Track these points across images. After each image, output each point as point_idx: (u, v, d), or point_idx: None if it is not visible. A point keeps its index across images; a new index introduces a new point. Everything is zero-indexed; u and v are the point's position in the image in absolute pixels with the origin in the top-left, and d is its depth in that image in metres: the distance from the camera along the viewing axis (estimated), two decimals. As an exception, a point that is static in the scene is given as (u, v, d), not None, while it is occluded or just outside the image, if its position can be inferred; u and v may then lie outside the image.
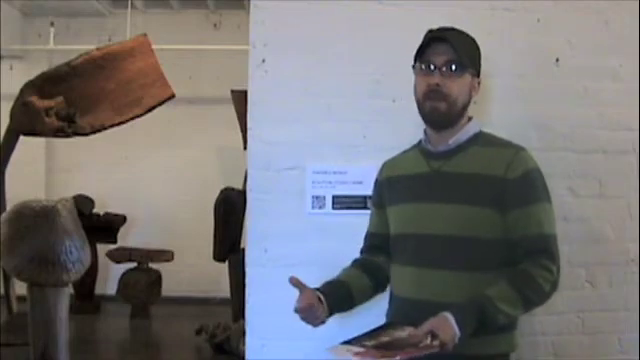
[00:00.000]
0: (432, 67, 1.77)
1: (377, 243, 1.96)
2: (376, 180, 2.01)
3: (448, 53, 1.76)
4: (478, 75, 1.85)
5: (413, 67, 1.83)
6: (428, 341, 1.53)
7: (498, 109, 2.34)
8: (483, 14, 2.37)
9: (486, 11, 2.38)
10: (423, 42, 1.80)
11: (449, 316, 1.58)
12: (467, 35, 1.84)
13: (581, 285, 2.38)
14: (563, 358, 2.36)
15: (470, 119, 1.88)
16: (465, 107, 1.82)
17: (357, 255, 2.02)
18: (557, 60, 2.39)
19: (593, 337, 2.38)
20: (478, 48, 1.86)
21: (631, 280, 2.40)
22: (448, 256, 1.74)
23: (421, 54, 1.80)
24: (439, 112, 1.77)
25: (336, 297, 1.81)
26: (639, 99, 2.41)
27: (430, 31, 1.82)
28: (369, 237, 2.01)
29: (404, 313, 1.77)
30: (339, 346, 1.60)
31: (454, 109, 1.78)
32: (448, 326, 1.56)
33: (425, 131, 1.88)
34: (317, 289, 1.79)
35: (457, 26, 1.88)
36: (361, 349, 1.55)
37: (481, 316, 1.61)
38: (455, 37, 1.78)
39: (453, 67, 1.76)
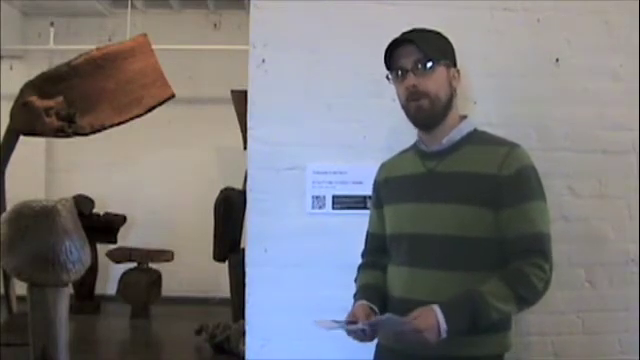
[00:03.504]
0: (404, 71, 1.79)
1: (379, 245, 1.96)
2: (374, 181, 2.01)
3: (415, 53, 1.78)
4: (454, 65, 1.85)
5: (387, 78, 1.85)
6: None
7: (498, 109, 2.34)
8: (483, 14, 2.38)
9: (486, 11, 2.38)
10: (387, 50, 1.81)
11: (435, 307, 1.61)
12: (430, 31, 1.85)
13: (581, 285, 2.38)
14: (563, 358, 2.36)
15: (464, 118, 1.88)
16: (450, 100, 1.82)
17: (357, 255, 2.02)
18: (557, 60, 2.39)
19: (593, 337, 2.38)
20: (446, 39, 1.86)
21: (631, 280, 2.40)
22: (443, 256, 1.74)
23: (390, 62, 1.82)
24: (423, 110, 1.78)
25: (382, 304, 1.83)
26: (639, 99, 2.41)
27: (394, 40, 1.83)
28: (370, 239, 2.01)
29: (399, 314, 1.77)
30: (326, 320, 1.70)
31: (437, 104, 1.79)
32: (430, 316, 1.59)
33: (418, 134, 1.89)
34: (363, 302, 1.81)
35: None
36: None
37: (472, 311, 1.61)
38: (417, 36, 1.79)
39: (423, 65, 1.77)
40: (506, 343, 1.79)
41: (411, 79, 1.78)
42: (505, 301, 1.64)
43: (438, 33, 1.86)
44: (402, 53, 1.79)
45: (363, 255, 2.01)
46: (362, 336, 1.70)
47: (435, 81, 1.78)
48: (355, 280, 1.95)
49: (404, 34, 1.82)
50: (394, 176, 1.92)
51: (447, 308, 1.61)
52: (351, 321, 1.73)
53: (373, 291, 1.86)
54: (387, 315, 1.61)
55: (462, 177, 1.77)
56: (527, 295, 1.68)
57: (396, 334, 1.66)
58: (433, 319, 1.59)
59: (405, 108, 1.83)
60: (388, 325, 1.65)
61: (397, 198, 1.88)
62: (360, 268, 1.98)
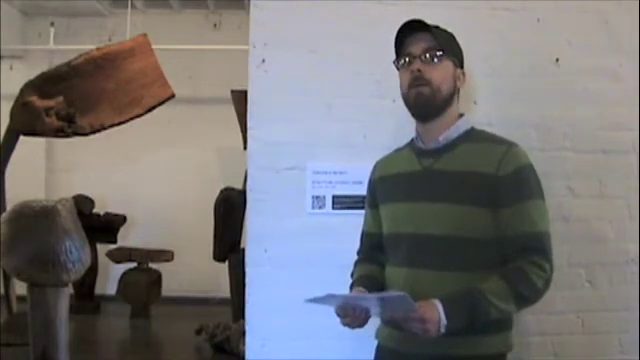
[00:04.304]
0: (412, 57, 1.80)
1: (374, 243, 1.95)
2: (369, 180, 2.00)
3: (426, 40, 1.79)
4: (461, 66, 1.86)
5: (395, 64, 1.85)
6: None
7: (498, 109, 2.34)
8: (483, 14, 2.38)
9: (486, 11, 2.38)
10: (399, 33, 1.81)
11: (436, 302, 1.60)
12: (444, 29, 1.86)
13: (581, 285, 2.38)
14: (563, 358, 2.36)
15: (461, 116, 1.87)
16: (451, 96, 1.82)
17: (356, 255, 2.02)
18: (557, 60, 2.39)
19: (593, 337, 2.38)
20: (456, 40, 1.88)
21: (631, 280, 2.40)
22: (441, 256, 1.73)
23: (400, 48, 1.83)
24: (423, 97, 1.78)
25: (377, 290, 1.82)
26: (639, 99, 2.41)
27: (402, 28, 1.83)
28: (366, 238, 2.00)
29: None
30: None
31: (439, 95, 1.79)
32: (433, 309, 1.58)
33: (416, 129, 1.88)
34: (360, 289, 1.80)
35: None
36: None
37: (471, 307, 1.60)
38: (432, 27, 1.80)
39: (432, 54, 1.78)
40: (508, 343, 1.78)
41: (417, 64, 1.78)
42: (505, 299, 1.64)
43: (450, 33, 1.87)
44: (413, 40, 1.80)
45: (359, 253, 2.01)
46: (355, 315, 1.66)
47: (440, 72, 1.79)
48: (351, 275, 1.95)
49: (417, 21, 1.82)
50: (389, 174, 1.91)
51: (447, 303, 1.60)
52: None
53: (368, 281, 1.85)
54: (403, 293, 1.55)
55: (459, 176, 1.76)
56: (527, 293, 1.67)
57: (401, 319, 1.62)
58: (436, 312, 1.58)
59: (405, 97, 1.83)
60: (398, 304, 1.59)
61: (393, 197, 1.87)
62: (356, 264, 1.98)
